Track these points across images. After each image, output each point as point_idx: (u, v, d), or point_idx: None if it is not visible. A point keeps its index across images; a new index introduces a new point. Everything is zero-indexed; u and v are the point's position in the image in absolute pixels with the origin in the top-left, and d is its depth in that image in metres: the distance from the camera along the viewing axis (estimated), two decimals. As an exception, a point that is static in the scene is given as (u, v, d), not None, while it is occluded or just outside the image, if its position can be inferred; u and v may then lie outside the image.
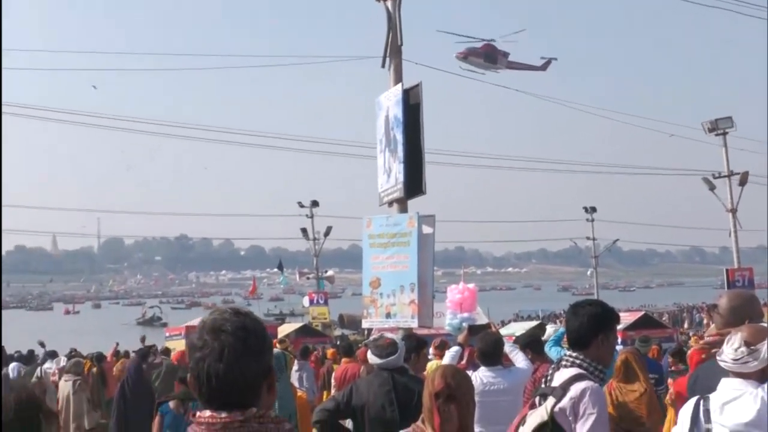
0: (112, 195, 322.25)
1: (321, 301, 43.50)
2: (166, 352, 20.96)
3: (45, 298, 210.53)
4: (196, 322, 35.62)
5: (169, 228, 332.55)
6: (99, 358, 20.72)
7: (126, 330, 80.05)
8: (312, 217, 51.45)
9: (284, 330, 33.38)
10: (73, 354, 22.14)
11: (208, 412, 2.55)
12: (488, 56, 61.70)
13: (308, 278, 54.45)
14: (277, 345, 14.66)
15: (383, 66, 15.47)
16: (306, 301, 45.60)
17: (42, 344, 29.18)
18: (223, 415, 2.53)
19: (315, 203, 51.62)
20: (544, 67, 68.18)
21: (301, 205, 51.84)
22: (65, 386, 14.56)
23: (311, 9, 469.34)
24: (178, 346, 26.28)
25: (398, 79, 14.97)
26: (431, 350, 14.33)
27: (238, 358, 2.54)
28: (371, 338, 6.92)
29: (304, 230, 51.20)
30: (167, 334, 33.19)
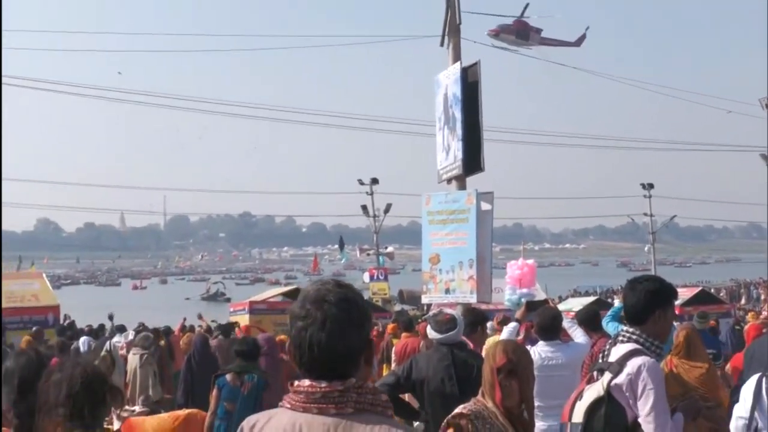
0: (178, 173, 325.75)
1: (381, 277, 43.67)
2: (230, 326, 21.19)
3: (113, 274, 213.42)
4: (260, 297, 36.05)
5: (233, 205, 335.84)
6: (167, 332, 21.13)
7: (190, 305, 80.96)
8: (372, 194, 51.63)
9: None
10: (140, 328, 22.52)
11: (307, 381, 2.60)
12: (520, 33, 59.70)
13: (368, 254, 54.71)
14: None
15: (442, 45, 15.51)
16: (366, 277, 45.82)
17: (111, 317, 29.83)
18: (323, 384, 2.58)
19: (375, 181, 51.76)
20: (578, 43, 66.23)
21: (362, 183, 52.03)
22: (133, 359, 14.84)
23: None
24: (241, 320, 26.68)
25: (456, 57, 15.00)
26: (493, 325, 14.45)
27: (341, 328, 2.58)
28: (431, 313, 7.02)
29: (364, 207, 51.37)
30: (231, 309, 33.52)
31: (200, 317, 26.77)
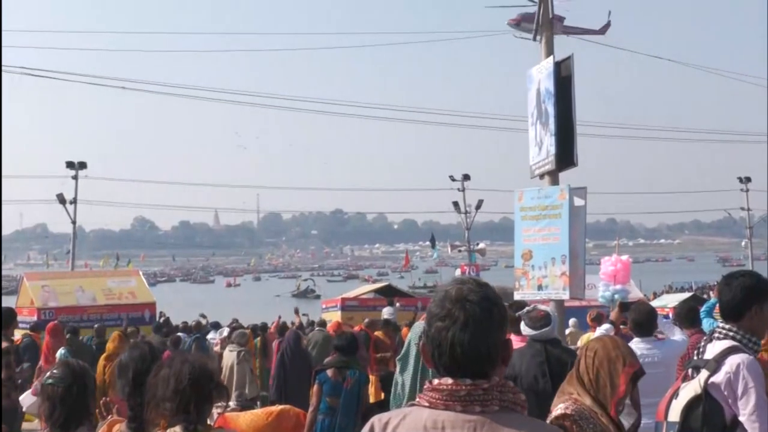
0: (270, 171, 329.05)
1: (473, 274, 43.56)
2: (322, 323, 21.41)
3: (208, 272, 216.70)
4: (352, 294, 36.25)
5: (324, 203, 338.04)
6: (263, 328, 21.39)
7: (281, 302, 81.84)
8: (463, 190, 51.53)
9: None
10: (235, 325, 22.80)
11: (450, 380, 2.57)
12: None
13: (460, 251, 54.60)
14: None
15: (534, 39, 15.41)
16: (458, 273, 45.75)
17: (203, 316, 30.30)
18: (468, 382, 2.56)
19: (466, 177, 51.67)
20: (602, 31, 64.06)
21: (453, 179, 51.98)
22: (230, 356, 14.97)
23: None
24: (333, 317, 26.85)
25: (549, 51, 14.89)
26: (587, 321, 14.31)
27: (484, 328, 2.56)
28: (524, 310, 7.00)
29: (455, 203, 51.29)
30: (324, 306, 33.81)
31: (296, 313, 27.01)
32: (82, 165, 46.09)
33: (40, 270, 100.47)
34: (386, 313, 20.10)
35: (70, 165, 46.03)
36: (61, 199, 45.17)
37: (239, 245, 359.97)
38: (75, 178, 45.95)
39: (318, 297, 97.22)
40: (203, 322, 28.29)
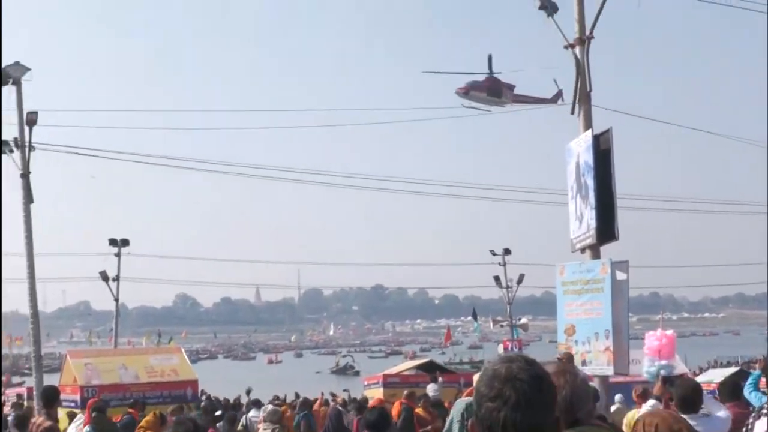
0: (311, 247, 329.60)
1: (515, 349, 43.22)
2: (365, 401, 21.32)
3: (249, 348, 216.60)
4: (394, 370, 36.08)
5: (365, 278, 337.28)
6: (304, 403, 21.42)
7: (320, 378, 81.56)
8: (504, 264, 51.44)
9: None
10: (276, 402, 22.81)
11: None
12: (492, 90, 56.31)
13: (502, 326, 54.30)
14: (474, 393, 14.70)
15: (572, 112, 15.43)
16: (500, 348, 45.43)
17: (248, 392, 30.31)
18: None
19: (507, 251, 51.62)
20: (554, 100, 61.11)
21: (494, 253, 51.93)
22: (264, 435, 14.92)
23: (499, 57, 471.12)
24: (375, 394, 26.71)
25: (588, 124, 14.90)
26: (633, 398, 14.11)
27: (536, 406, 2.53)
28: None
29: (497, 278, 51.21)
30: (365, 383, 33.68)
31: (333, 395, 27.01)
32: (125, 242, 46.56)
33: (83, 347, 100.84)
34: (431, 389, 19.96)
35: (112, 242, 46.50)
36: (104, 277, 45.57)
37: (280, 321, 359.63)
38: (118, 255, 46.38)
39: (357, 373, 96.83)
40: (248, 398, 28.34)
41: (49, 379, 28.16)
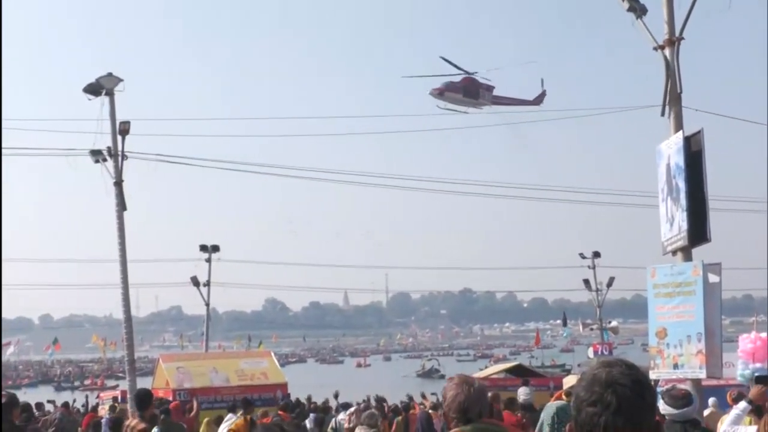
0: (399, 251, 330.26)
1: (606, 352, 42.77)
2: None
3: (338, 352, 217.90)
4: (482, 374, 35.92)
5: (453, 282, 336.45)
6: (406, 408, 21.63)
7: (406, 382, 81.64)
8: (594, 267, 50.93)
9: (569, 381, 33.04)
10: (365, 405, 22.94)
11: None
12: (468, 91, 54.78)
13: (592, 329, 53.77)
14: (563, 397, 14.62)
15: (663, 114, 15.21)
16: (590, 352, 45.02)
17: (336, 396, 30.50)
18: None
19: (596, 254, 51.11)
20: (537, 101, 59.48)
21: (583, 257, 51.45)
22: (360, 437, 14.94)
23: (585, 61, 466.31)
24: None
25: (678, 126, 14.67)
26: (728, 401, 13.86)
27: (637, 412, 2.51)
28: (663, 388, 6.78)
29: (586, 281, 50.73)
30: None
31: (423, 396, 27.01)
32: (215, 248, 47.22)
33: (175, 351, 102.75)
34: (522, 393, 19.90)
35: (203, 248, 47.20)
36: (195, 282, 46.33)
37: (369, 325, 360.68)
38: (208, 261, 47.08)
39: (443, 377, 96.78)
40: (336, 402, 28.56)
41: (142, 383, 28.69)
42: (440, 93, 54.55)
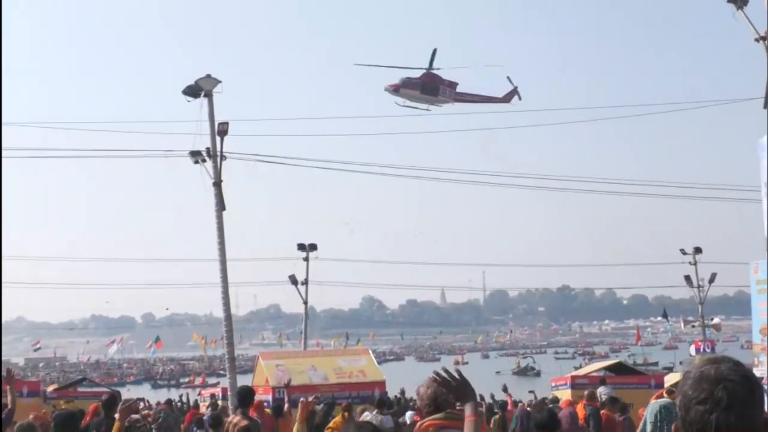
0: (496, 249, 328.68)
1: (708, 350, 42.00)
2: (556, 400, 21.29)
3: (435, 349, 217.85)
4: (582, 371, 35.59)
5: (551, 279, 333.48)
6: (503, 405, 21.62)
7: (500, 379, 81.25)
8: (695, 263, 50.12)
9: (671, 379, 32.53)
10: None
11: None
12: (426, 87, 51.55)
13: (693, 326, 52.88)
14: (665, 395, 14.39)
15: (765, 106, 14.90)
16: (692, 349, 44.29)
17: (402, 391, 30.58)
18: None
19: (698, 250, 50.25)
20: (507, 99, 55.53)
21: (684, 252, 50.65)
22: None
23: (683, 53, 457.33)
24: (563, 395, 26.41)
25: (780, 119, 14.37)
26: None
27: (748, 408, 2.46)
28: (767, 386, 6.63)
29: (687, 277, 49.98)
30: (553, 384, 33.35)
31: (506, 390, 26.99)
32: (313, 247, 47.66)
33: (274, 349, 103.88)
34: (603, 393, 19.58)
35: (301, 247, 47.68)
36: (293, 281, 46.82)
37: (466, 323, 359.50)
38: (306, 259, 47.53)
39: (538, 374, 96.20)
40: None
41: (242, 380, 29.08)
42: (395, 89, 52.17)
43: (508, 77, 55.58)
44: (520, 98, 55.15)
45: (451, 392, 4.96)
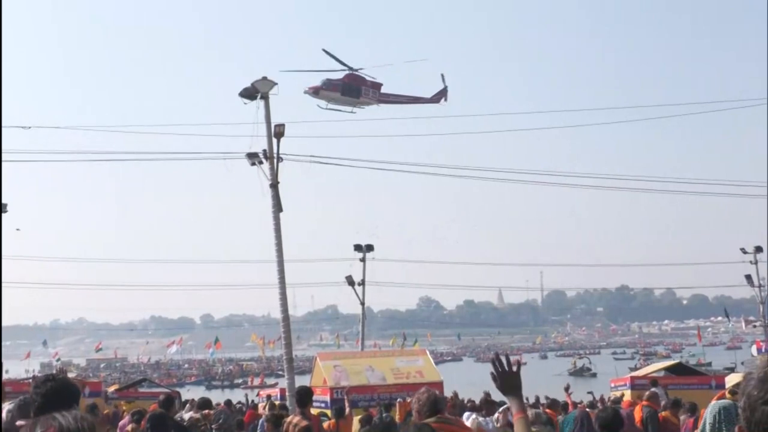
0: (554, 249, 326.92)
1: (771, 350, 41.47)
2: (617, 400, 21.23)
3: (493, 350, 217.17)
4: (642, 372, 35.31)
5: (609, 279, 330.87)
6: (564, 406, 21.61)
7: (557, 380, 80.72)
8: (756, 263, 49.65)
9: (732, 380, 32.13)
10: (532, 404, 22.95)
11: None
12: (347, 89, 49.84)
13: (755, 326, 52.39)
14: (727, 395, 14.23)
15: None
16: (754, 350, 43.73)
17: (487, 394, 30.45)
18: None
19: (759, 249, 49.75)
20: (436, 99, 54.48)
21: (744, 252, 50.16)
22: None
23: (743, 54, 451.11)
24: (624, 395, 26.31)
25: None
26: None
27: None
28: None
29: (748, 277, 49.51)
30: (612, 385, 33.15)
31: (566, 390, 26.84)
32: (369, 248, 47.77)
33: (331, 350, 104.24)
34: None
35: (357, 248, 47.82)
36: (350, 281, 46.96)
37: (524, 323, 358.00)
38: (363, 260, 47.65)
39: (594, 375, 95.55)
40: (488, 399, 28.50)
41: (300, 381, 29.24)
42: (315, 92, 50.63)
43: (441, 75, 54.43)
44: (446, 100, 54.10)
45: (497, 380, 4.91)
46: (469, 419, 17.45)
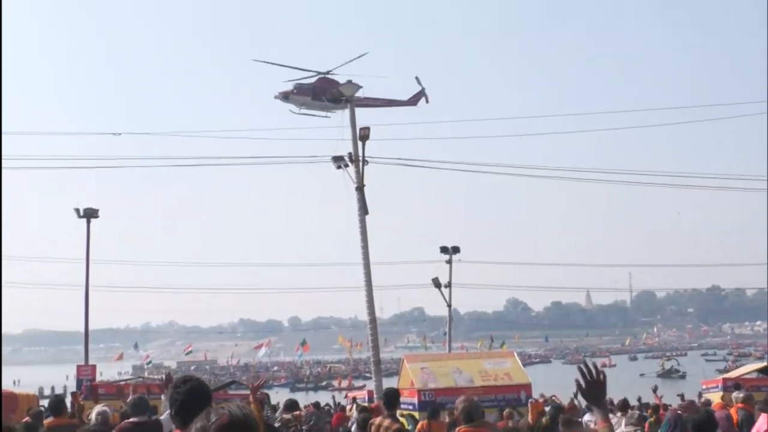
0: (642, 249, 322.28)
1: None
2: (708, 403, 21.03)
3: (582, 352, 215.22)
4: (734, 374, 34.64)
5: (700, 279, 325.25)
6: (656, 408, 21.76)
7: (644, 381, 79.65)
8: None
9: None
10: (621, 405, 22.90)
11: None
12: (319, 93, 47.51)
13: None
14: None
15: None
16: None
17: (575, 396, 30.22)
18: None
19: None
20: (413, 101, 52.31)
21: (841, 249, 48.98)
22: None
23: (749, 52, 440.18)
24: (714, 397, 25.82)
25: None
26: None
27: None
28: None
29: None
30: (703, 387, 32.60)
31: (654, 392, 26.54)
32: (456, 249, 47.68)
33: (419, 352, 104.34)
34: (737, 397, 19.02)
35: (444, 250, 47.77)
36: (437, 284, 46.88)
37: (612, 325, 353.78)
38: (449, 262, 47.58)
39: (683, 376, 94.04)
40: (577, 402, 28.24)
41: (387, 383, 29.30)
42: (285, 96, 49.55)
43: (416, 78, 53.05)
44: (427, 101, 52.74)
45: (582, 388, 4.87)
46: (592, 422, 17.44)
